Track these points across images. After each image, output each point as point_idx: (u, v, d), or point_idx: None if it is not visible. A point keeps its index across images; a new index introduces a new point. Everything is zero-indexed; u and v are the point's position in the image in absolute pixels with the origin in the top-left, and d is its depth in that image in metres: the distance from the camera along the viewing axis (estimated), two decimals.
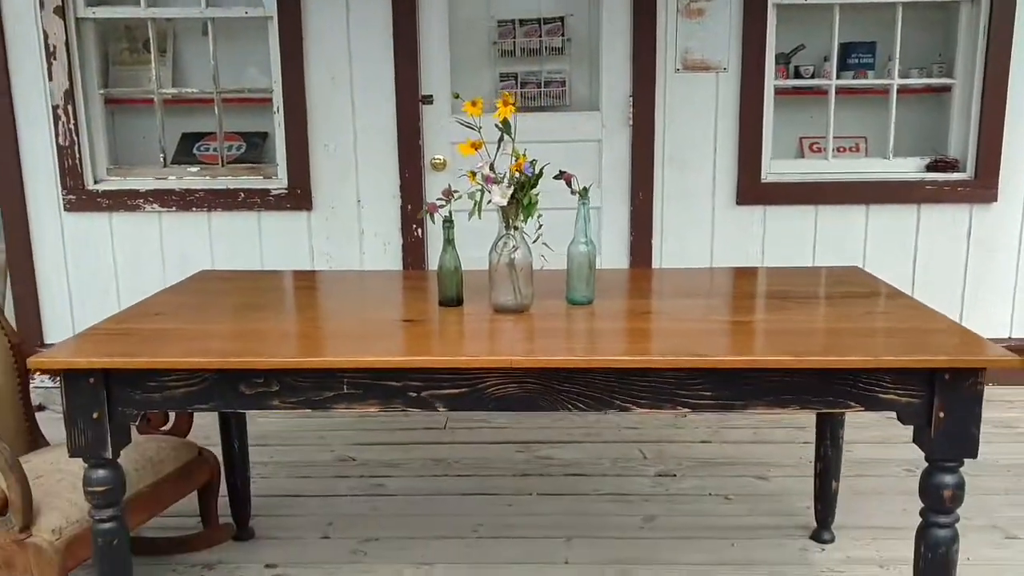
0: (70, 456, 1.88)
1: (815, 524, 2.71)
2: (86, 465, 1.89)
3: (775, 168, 3.94)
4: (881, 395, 1.80)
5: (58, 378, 2.52)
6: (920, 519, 1.88)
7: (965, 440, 1.79)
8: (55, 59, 3.80)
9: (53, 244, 3.96)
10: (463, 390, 1.83)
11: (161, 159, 4.04)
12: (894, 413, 1.82)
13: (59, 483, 2.18)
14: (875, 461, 3.22)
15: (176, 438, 2.54)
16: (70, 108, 3.84)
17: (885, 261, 3.89)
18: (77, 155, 3.88)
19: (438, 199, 2.13)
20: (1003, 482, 3.07)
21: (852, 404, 1.80)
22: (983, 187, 3.86)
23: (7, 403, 2.53)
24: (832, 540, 2.68)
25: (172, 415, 2.56)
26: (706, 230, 3.93)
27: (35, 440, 2.58)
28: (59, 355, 1.83)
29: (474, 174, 2.02)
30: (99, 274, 3.99)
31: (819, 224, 3.93)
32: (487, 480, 3.12)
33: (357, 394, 1.83)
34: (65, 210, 3.93)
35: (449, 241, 2.16)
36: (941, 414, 1.78)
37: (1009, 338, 4.01)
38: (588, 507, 2.91)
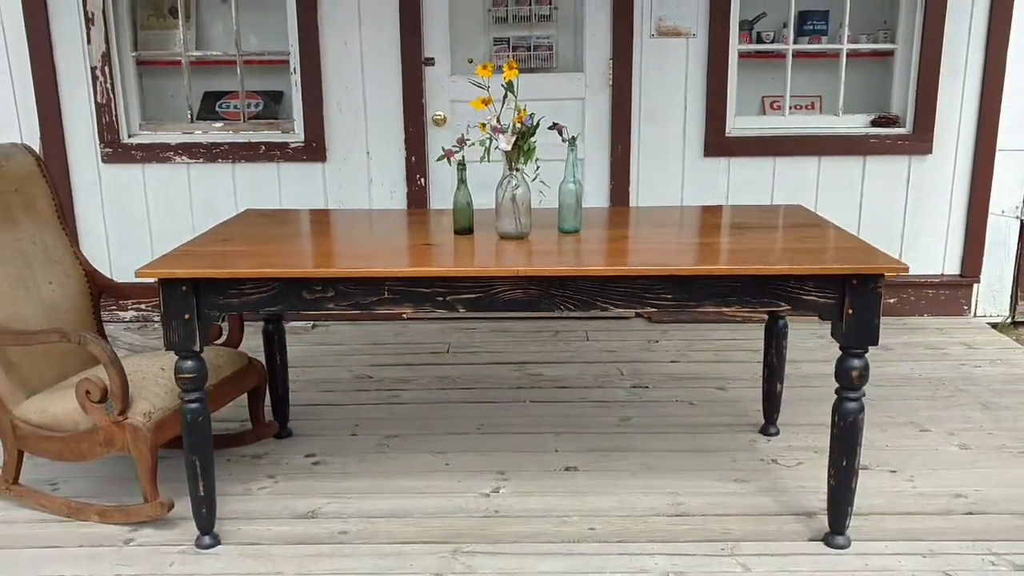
0: (166, 349, 2.36)
1: (763, 421, 3.25)
2: (178, 357, 2.37)
3: (738, 124, 4.44)
4: (805, 297, 2.31)
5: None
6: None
7: (868, 331, 2.31)
8: (93, 25, 4.21)
9: (92, 193, 4.40)
10: (478, 295, 2.33)
11: (188, 115, 4.48)
12: (827, 326, 2.34)
13: (143, 380, 2.67)
14: (818, 375, 3.75)
15: (231, 348, 3.02)
16: (107, 69, 4.26)
17: (835, 206, 4.42)
18: (113, 112, 4.31)
19: (453, 146, 2.61)
20: (924, 391, 3.63)
21: (782, 304, 2.32)
22: (920, 140, 4.38)
23: (86, 321, 3.01)
24: (777, 433, 3.22)
25: (226, 330, 3.05)
26: (677, 179, 4.43)
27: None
28: (159, 268, 2.30)
29: (484, 125, 2.50)
30: (134, 220, 4.43)
31: (776, 174, 4.44)
32: (487, 392, 3.64)
33: (395, 299, 2.33)
34: (103, 162, 4.36)
35: (462, 181, 2.65)
36: (850, 311, 2.30)
37: (942, 273, 4.56)
38: (573, 411, 3.44)
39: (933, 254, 4.54)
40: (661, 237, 2.68)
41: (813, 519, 2.62)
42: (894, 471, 2.94)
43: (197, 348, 2.36)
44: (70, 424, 2.60)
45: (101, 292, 3.10)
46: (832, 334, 2.38)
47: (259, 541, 2.55)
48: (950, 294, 4.56)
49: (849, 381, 2.36)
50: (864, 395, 2.39)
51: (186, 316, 2.32)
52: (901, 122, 4.43)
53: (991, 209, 4.55)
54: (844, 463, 2.41)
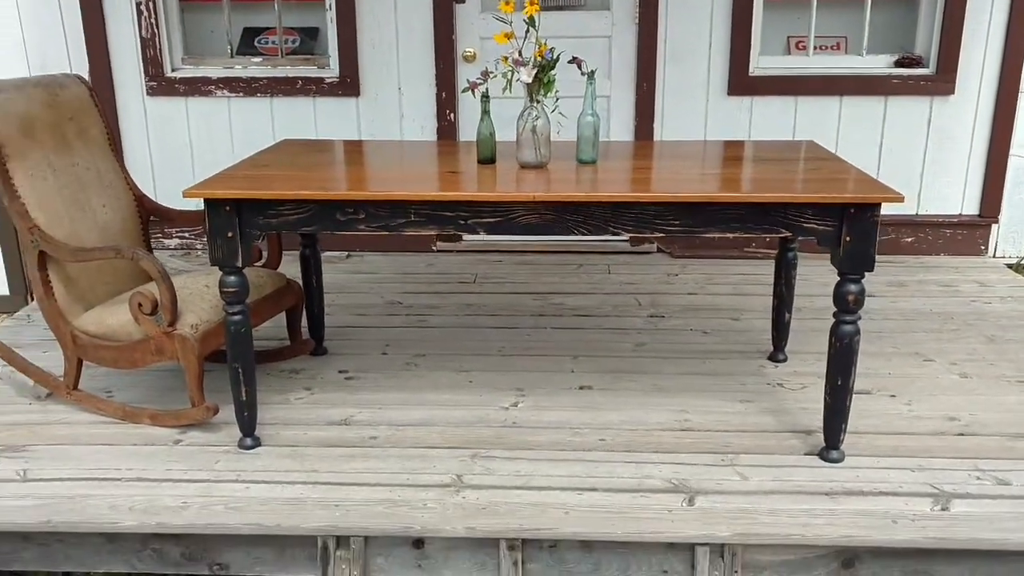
0: (211, 264, 2.57)
1: (772, 349, 3.41)
2: (222, 272, 2.58)
3: (762, 64, 4.51)
4: (805, 224, 2.45)
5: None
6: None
7: (865, 258, 2.45)
8: None
9: (138, 124, 4.60)
10: (498, 219, 2.50)
11: (228, 51, 4.65)
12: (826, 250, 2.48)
13: (190, 295, 2.89)
14: (829, 308, 3.86)
15: (270, 270, 3.23)
16: (151, 5, 4.43)
17: (855, 146, 4.51)
18: (158, 46, 4.49)
19: (477, 78, 2.76)
20: (932, 324, 3.75)
21: (782, 230, 2.46)
22: (943, 81, 4.43)
23: (136, 241, 3.23)
24: (784, 360, 3.38)
25: (265, 253, 3.25)
26: (700, 118, 4.53)
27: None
28: (204, 189, 2.49)
29: (507, 58, 2.64)
30: (177, 150, 4.64)
31: (799, 113, 4.52)
32: (509, 319, 3.83)
33: (420, 221, 2.51)
34: (147, 95, 4.56)
35: (486, 112, 2.80)
36: (848, 238, 2.43)
37: (960, 214, 4.64)
38: (591, 336, 3.62)
39: (952, 195, 4.61)
40: (674, 168, 2.82)
41: (811, 436, 2.80)
42: (893, 396, 3.09)
43: (239, 264, 2.56)
44: (124, 334, 2.83)
45: (149, 215, 3.32)
46: (831, 260, 2.52)
47: (296, 444, 2.78)
48: (968, 234, 4.64)
49: (845, 305, 2.50)
50: (859, 318, 2.54)
51: (229, 234, 2.52)
52: (924, 63, 4.47)
53: (1012, 151, 4.61)
54: (839, 382, 2.57)
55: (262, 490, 2.51)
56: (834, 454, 2.66)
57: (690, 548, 2.34)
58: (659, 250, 4.72)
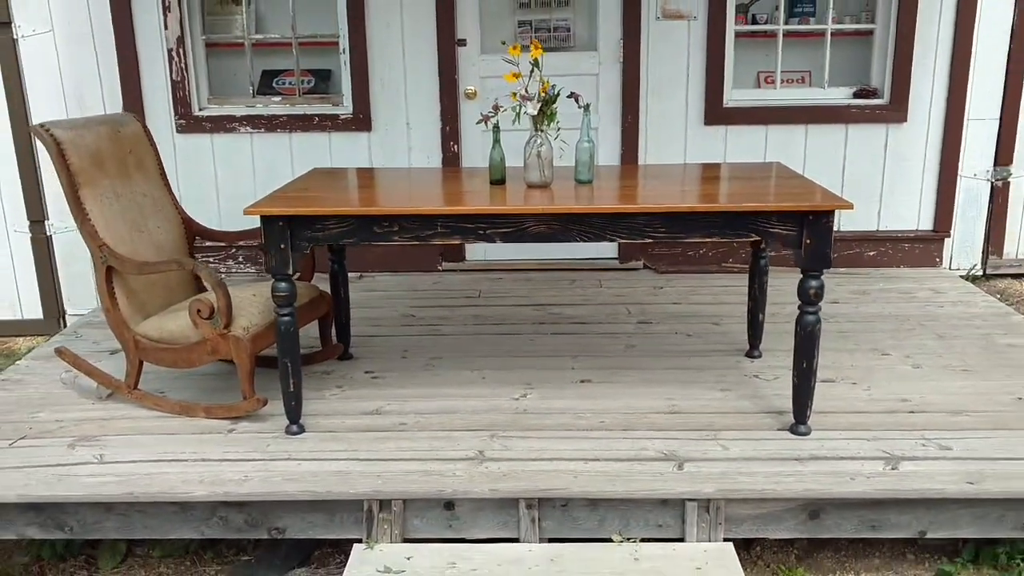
0: (266, 272, 3.00)
1: (748, 346, 3.85)
2: (274, 279, 3.00)
3: (735, 96, 5.01)
4: (771, 230, 2.90)
5: None
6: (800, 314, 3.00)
7: (822, 257, 2.90)
8: (169, 12, 4.83)
9: (168, 159, 5.01)
10: (512, 229, 2.94)
11: (250, 91, 5.10)
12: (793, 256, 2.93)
13: (240, 303, 3.29)
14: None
15: (304, 282, 3.65)
16: (181, 51, 4.89)
17: (820, 169, 5.00)
18: (186, 88, 4.94)
19: (489, 112, 3.22)
20: (890, 325, 4.21)
21: (752, 235, 2.92)
22: (896, 111, 4.94)
23: (184, 258, 3.65)
24: (759, 356, 3.82)
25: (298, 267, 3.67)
26: (680, 146, 5.01)
27: (200, 285, 3.71)
28: (262, 207, 2.92)
29: (515, 94, 3.10)
30: (203, 182, 5.06)
31: (769, 140, 5.02)
32: (513, 327, 4.26)
33: (446, 232, 2.94)
34: (177, 132, 4.99)
35: (497, 140, 3.25)
36: (808, 241, 2.89)
37: (916, 230, 5.13)
38: (587, 340, 4.05)
39: (909, 212, 5.11)
40: (659, 186, 3.28)
41: (783, 416, 3.23)
42: (855, 383, 3.54)
43: (290, 272, 2.98)
44: (182, 337, 3.24)
45: (194, 236, 3.74)
46: (795, 262, 2.97)
47: (335, 430, 3.18)
48: (924, 247, 5.13)
49: (808, 297, 2.95)
50: (820, 310, 2.99)
51: (282, 246, 2.95)
52: (879, 94, 4.99)
53: (961, 172, 5.12)
54: (804, 365, 3.01)
55: (312, 466, 2.92)
56: (802, 428, 3.09)
57: (680, 504, 2.76)
58: (645, 266, 5.18)
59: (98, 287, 3.34)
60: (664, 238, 2.93)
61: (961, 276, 5.15)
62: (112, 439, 3.14)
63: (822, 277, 2.94)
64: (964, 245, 5.30)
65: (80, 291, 5.34)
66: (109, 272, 3.28)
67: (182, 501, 2.80)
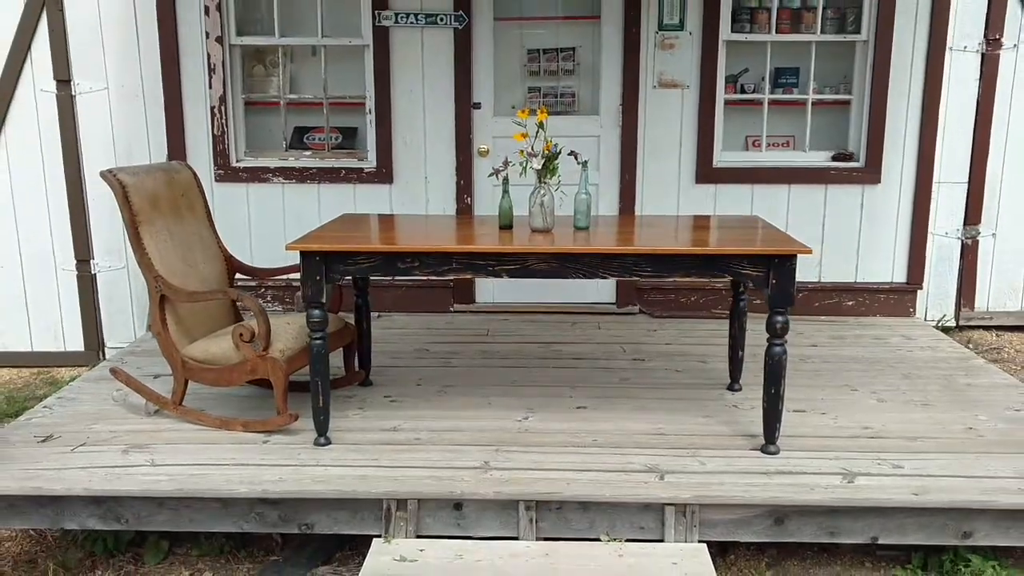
0: (303, 301, 3.44)
1: (729, 380, 4.26)
2: (309, 307, 3.44)
3: (724, 158, 5.50)
4: (742, 271, 3.34)
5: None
6: (768, 345, 3.42)
7: (787, 296, 3.33)
8: (214, 73, 5.38)
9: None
10: (517, 266, 3.38)
11: (283, 145, 5.62)
12: (765, 299, 3.36)
13: (277, 329, 3.73)
14: None
15: (332, 314, 4.09)
16: (222, 108, 5.41)
17: (803, 226, 5.46)
18: (226, 142, 5.46)
19: (500, 166, 3.69)
20: (862, 366, 4.62)
21: (726, 275, 3.35)
22: (871, 173, 5.42)
23: None
24: (740, 389, 4.22)
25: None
26: (673, 202, 5.49)
27: (239, 314, 4.16)
28: (302, 244, 3.37)
29: (523, 151, 3.58)
30: (238, 227, 5.54)
31: (755, 198, 5.49)
32: (518, 360, 4.68)
33: (461, 268, 3.39)
34: (216, 181, 5.49)
35: (506, 191, 3.72)
36: (774, 281, 3.32)
37: (891, 282, 5.56)
38: (585, 373, 4.46)
39: (883, 265, 5.55)
40: (648, 233, 3.73)
41: (756, 439, 3.62)
42: (824, 413, 3.94)
43: (324, 300, 3.43)
44: (224, 359, 3.67)
45: (235, 271, 4.20)
46: (765, 300, 3.40)
47: (358, 443, 3.59)
48: (898, 298, 5.55)
49: (775, 331, 3.38)
50: (786, 342, 3.41)
51: (317, 278, 3.40)
52: (856, 158, 5.47)
53: (933, 230, 5.58)
54: (773, 390, 3.42)
55: (337, 471, 3.32)
56: (772, 448, 3.49)
57: (660, 508, 3.15)
58: (641, 311, 5.61)
59: (151, 313, 3.79)
60: (650, 276, 3.37)
61: (934, 326, 5.56)
62: (161, 447, 3.56)
63: (787, 314, 3.37)
64: (938, 297, 5.73)
65: (119, 326, 5.80)
66: (163, 300, 3.73)
67: (225, 497, 3.20)
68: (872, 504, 3.12)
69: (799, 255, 3.31)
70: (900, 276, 5.56)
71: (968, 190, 5.62)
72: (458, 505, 3.19)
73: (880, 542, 3.18)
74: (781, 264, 3.31)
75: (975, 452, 3.51)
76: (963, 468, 3.35)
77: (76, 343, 5.84)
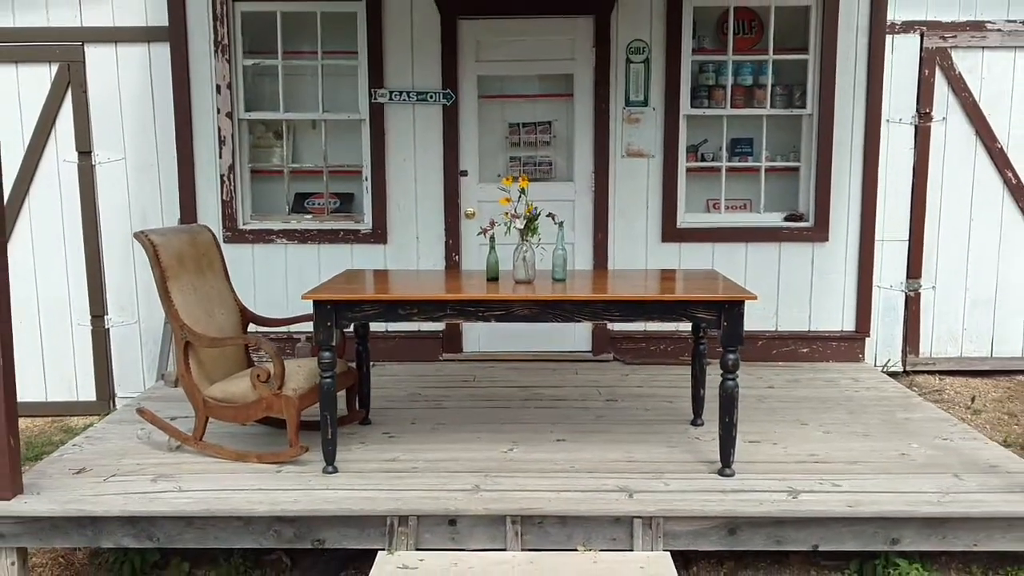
0: (315, 344, 3.92)
1: (692, 416, 4.75)
2: (321, 349, 3.91)
3: (687, 219, 6.08)
4: (698, 315, 3.86)
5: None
6: (721, 381, 3.92)
7: (737, 336, 3.84)
8: (224, 145, 5.92)
9: None
10: (503, 312, 3.88)
11: (285, 209, 6.15)
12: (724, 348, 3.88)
13: (289, 371, 4.18)
14: None
15: (338, 358, 4.55)
16: (231, 176, 5.95)
17: (759, 280, 6.02)
18: (233, 207, 5.97)
19: (487, 226, 4.22)
20: (812, 404, 5.12)
21: (684, 319, 3.87)
22: (820, 232, 6.01)
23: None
24: (702, 424, 4.71)
25: None
26: (641, 259, 6.04)
27: (251, 360, 4.62)
28: (314, 294, 3.86)
29: (507, 214, 4.11)
30: (244, 284, 6.01)
31: (715, 255, 6.05)
32: (503, 402, 5.15)
33: (453, 314, 3.89)
34: (224, 242, 5.99)
35: (492, 248, 4.24)
36: (725, 323, 3.84)
37: (841, 330, 6.11)
38: (564, 412, 4.94)
39: (833, 315, 6.10)
40: (617, 283, 4.26)
41: (714, 464, 4.09)
42: (775, 443, 4.43)
43: (333, 343, 3.91)
44: (242, 398, 4.13)
45: (248, 321, 4.67)
46: (718, 339, 3.91)
47: (362, 471, 4.04)
48: (848, 345, 6.10)
49: (727, 367, 3.88)
50: (738, 376, 3.92)
51: (328, 323, 3.88)
52: (806, 218, 6.07)
53: (878, 283, 6.16)
54: (727, 419, 3.92)
55: (345, 493, 3.76)
56: (727, 471, 3.97)
57: (629, 521, 3.61)
58: (615, 358, 6.11)
59: (177, 358, 4.25)
60: (619, 319, 3.89)
61: (881, 370, 6.10)
62: (186, 476, 3.99)
63: (738, 352, 3.88)
64: (885, 344, 6.28)
65: (130, 377, 6.23)
66: (187, 346, 4.19)
67: (246, 516, 3.63)
68: (812, 515, 3.60)
69: (748, 302, 3.83)
70: (849, 325, 6.11)
71: (909, 247, 6.23)
72: (452, 521, 3.63)
73: (821, 549, 3.64)
74: (731, 309, 3.84)
75: (905, 473, 4.00)
76: (893, 485, 3.84)
77: (88, 393, 6.25)
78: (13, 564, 3.68)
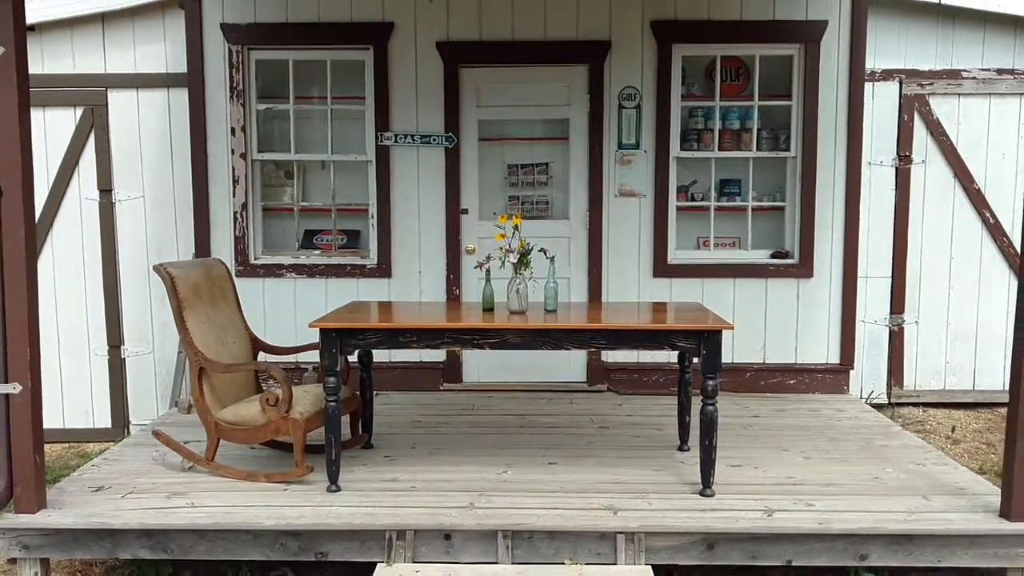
0: (321, 369, 4.19)
1: (679, 442, 4.99)
2: (327, 374, 4.19)
3: (678, 255, 6.36)
4: (679, 343, 4.13)
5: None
6: (702, 405, 4.17)
7: (716, 363, 4.10)
8: (237, 184, 6.25)
9: None
10: (497, 340, 4.15)
11: (295, 245, 6.46)
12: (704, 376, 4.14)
13: (297, 395, 4.46)
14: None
15: (343, 384, 4.82)
16: (244, 214, 6.27)
17: (746, 314, 6.28)
18: (246, 242, 6.29)
19: (483, 261, 4.51)
20: (795, 432, 5.36)
21: (667, 347, 4.14)
22: (804, 268, 6.28)
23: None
24: (687, 450, 4.94)
25: None
26: (634, 293, 6.31)
27: (260, 386, 4.89)
28: (321, 323, 4.14)
29: (502, 249, 4.40)
30: (255, 315, 6.30)
31: (704, 290, 6.32)
32: (499, 429, 5.40)
33: (451, 341, 4.16)
34: (236, 276, 6.28)
35: (488, 281, 4.53)
36: (704, 352, 4.11)
37: (826, 363, 6.36)
38: (557, 439, 5.19)
39: (819, 349, 6.35)
40: (605, 314, 4.53)
41: (696, 485, 4.32)
42: (756, 467, 4.66)
43: (339, 369, 4.18)
44: (252, 420, 4.39)
45: (259, 350, 4.95)
46: (699, 366, 4.17)
47: (364, 490, 4.28)
48: (833, 377, 6.34)
49: (707, 393, 4.14)
50: (717, 402, 4.17)
51: (334, 350, 4.16)
52: (791, 255, 6.34)
53: (862, 318, 6.41)
54: (707, 442, 4.16)
55: (348, 510, 4.01)
56: (707, 491, 4.20)
57: (613, 536, 3.84)
58: (608, 389, 6.36)
59: (191, 384, 4.53)
60: (604, 348, 4.16)
61: (865, 401, 6.33)
62: (198, 493, 4.24)
63: (717, 379, 4.14)
64: (871, 376, 6.52)
65: (144, 405, 6.51)
66: (201, 372, 4.47)
67: (255, 529, 3.88)
68: (786, 531, 3.83)
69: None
70: (834, 358, 6.35)
71: (892, 283, 6.49)
72: (447, 535, 3.87)
73: (794, 564, 3.87)
74: (710, 338, 4.10)
75: (876, 495, 4.23)
76: (863, 505, 4.07)
77: (104, 420, 6.52)
78: (36, 574, 3.93)
